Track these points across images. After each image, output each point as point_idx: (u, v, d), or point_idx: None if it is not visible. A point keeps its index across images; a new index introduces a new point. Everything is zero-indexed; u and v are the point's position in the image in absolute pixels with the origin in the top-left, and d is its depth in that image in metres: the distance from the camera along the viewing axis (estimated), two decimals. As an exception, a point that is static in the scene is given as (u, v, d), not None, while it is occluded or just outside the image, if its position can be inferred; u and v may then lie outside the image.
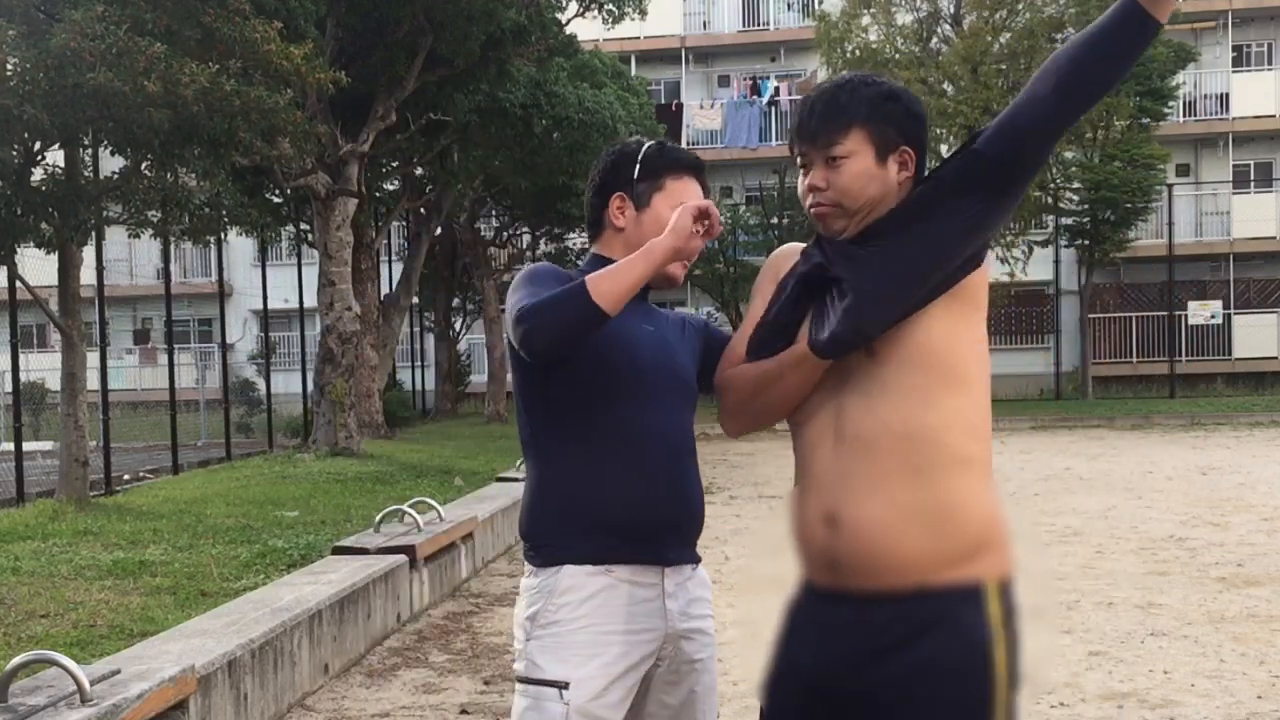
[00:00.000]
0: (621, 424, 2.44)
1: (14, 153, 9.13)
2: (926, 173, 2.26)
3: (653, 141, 2.63)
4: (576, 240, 28.19)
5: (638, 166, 2.56)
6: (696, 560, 2.58)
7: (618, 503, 2.43)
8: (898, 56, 26.35)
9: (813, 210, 2.22)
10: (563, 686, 2.37)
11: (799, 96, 32.55)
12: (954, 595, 2.10)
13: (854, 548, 2.13)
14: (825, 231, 2.24)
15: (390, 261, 26.56)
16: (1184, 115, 30.63)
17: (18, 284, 10.21)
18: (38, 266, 11.39)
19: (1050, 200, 27.06)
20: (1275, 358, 29.36)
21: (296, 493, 10.70)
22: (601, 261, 2.54)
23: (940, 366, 2.16)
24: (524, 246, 28.76)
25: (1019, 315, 30.66)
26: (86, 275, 10.68)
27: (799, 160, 2.26)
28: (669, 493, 2.48)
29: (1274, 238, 30.07)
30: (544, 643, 2.41)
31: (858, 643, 2.13)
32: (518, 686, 2.46)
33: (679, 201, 2.50)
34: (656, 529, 2.46)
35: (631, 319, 2.47)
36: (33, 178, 9.67)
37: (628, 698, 2.43)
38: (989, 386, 2.27)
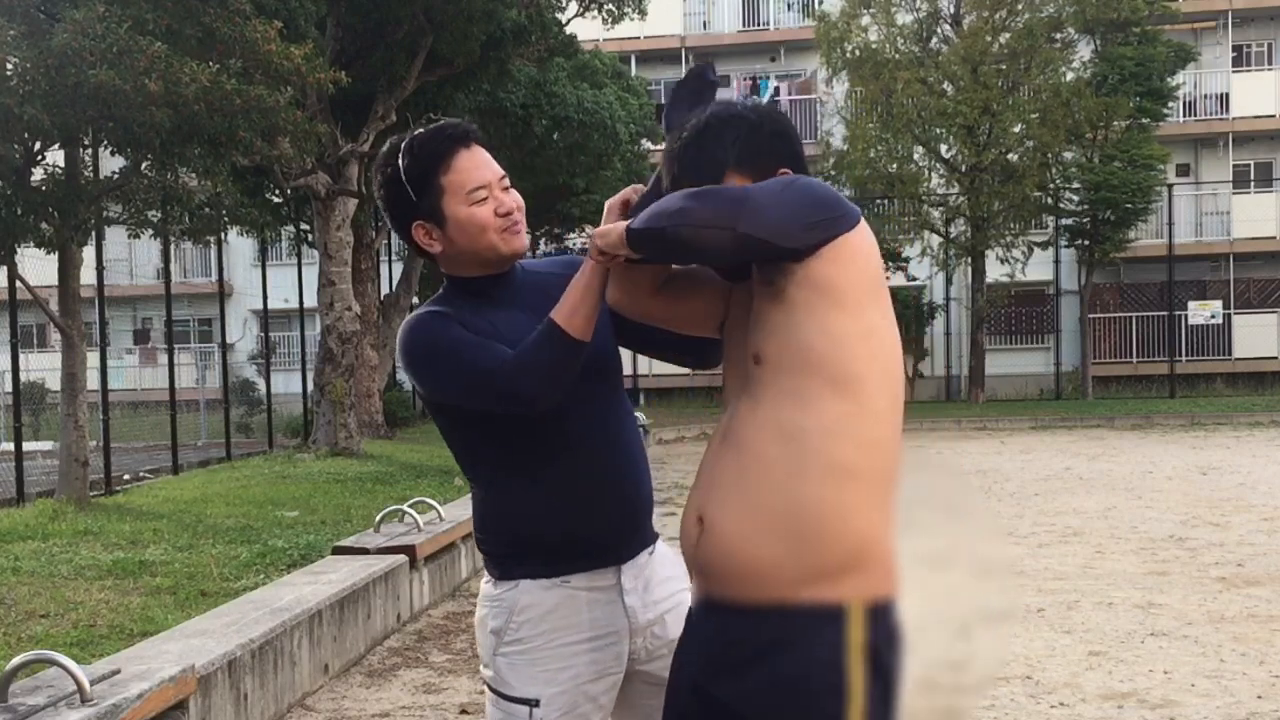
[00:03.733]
0: (543, 437, 2.37)
1: (15, 152, 9.13)
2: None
3: (403, 146, 2.41)
4: (576, 240, 28.20)
5: (409, 188, 2.38)
6: (653, 541, 2.52)
7: (557, 518, 2.39)
8: (898, 56, 26.36)
9: None
10: (533, 704, 2.38)
11: (799, 96, 32.61)
12: (812, 615, 2.03)
13: (715, 553, 2.10)
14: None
15: (390, 261, 26.54)
16: (1184, 115, 30.64)
17: (18, 284, 10.22)
18: (38, 266, 11.40)
19: (1050, 200, 27.07)
20: (1275, 358, 29.36)
21: (296, 493, 10.70)
22: (461, 283, 2.45)
23: (820, 367, 2.06)
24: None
25: (1019, 315, 30.67)
26: (86, 275, 10.69)
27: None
28: (609, 493, 2.43)
29: (1274, 238, 30.08)
30: (511, 660, 2.41)
31: (719, 654, 2.11)
32: (488, 693, 2.47)
33: (464, 194, 2.37)
34: (602, 532, 2.42)
35: (510, 320, 2.39)
36: (33, 178, 9.68)
37: (600, 705, 2.43)
38: (890, 389, 2.10)
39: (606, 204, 2.32)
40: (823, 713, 2.02)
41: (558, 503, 2.39)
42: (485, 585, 2.50)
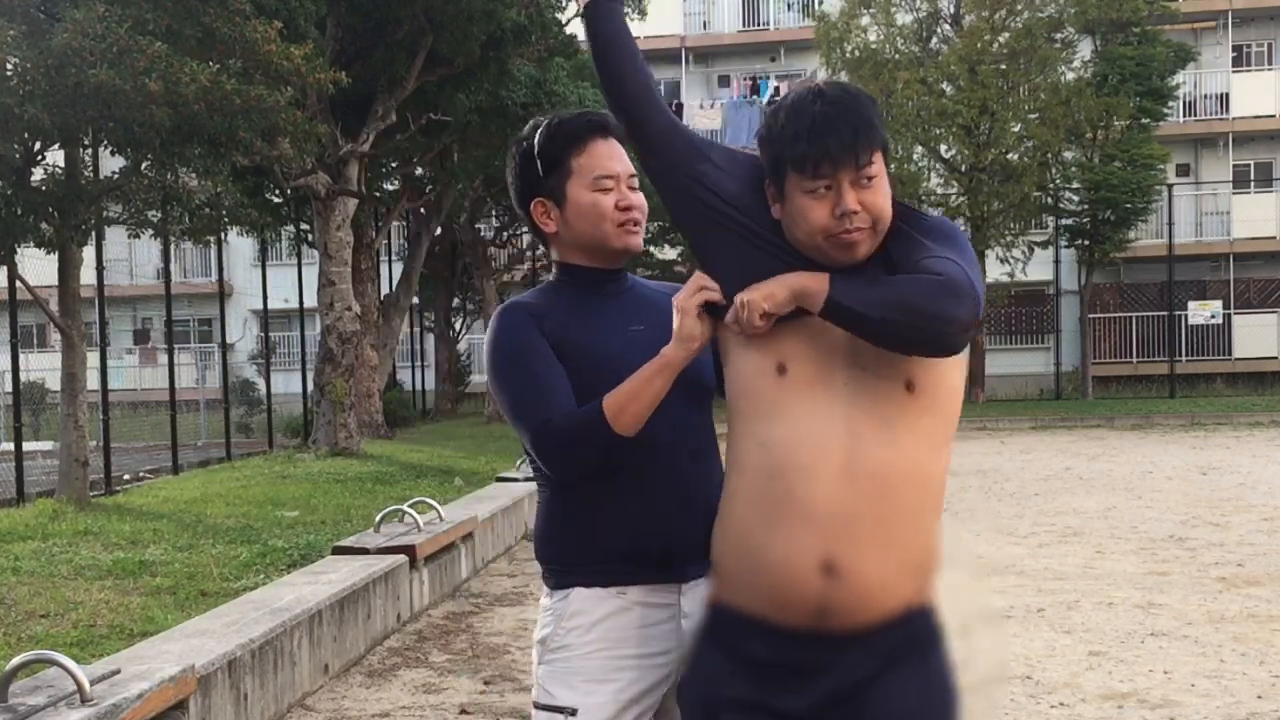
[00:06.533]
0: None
1: (15, 152, 9.13)
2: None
3: (543, 124, 2.41)
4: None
5: (538, 164, 2.37)
6: None
7: (624, 524, 2.30)
8: (897, 56, 26.36)
9: (849, 235, 2.01)
10: (571, 714, 2.28)
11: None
12: (925, 618, 2.12)
13: (853, 596, 2.02)
14: (848, 260, 2.04)
15: (390, 261, 26.55)
16: (1184, 115, 30.65)
17: (18, 284, 10.22)
18: (38, 266, 11.40)
19: (1050, 200, 27.07)
20: (1275, 358, 29.36)
21: (296, 493, 10.70)
22: (565, 270, 2.40)
23: (953, 408, 2.11)
24: (524, 246, 28.79)
25: (1019, 315, 30.67)
26: (86, 275, 10.69)
27: (821, 185, 2.01)
28: (680, 507, 2.31)
29: (1274, 238, 30.08)
30: (553, 668, 2.32)
31: (842, 677, 2.06)
32: (534, 712, 2.37)
33: (591, 179, 2.34)
34: (668, 547, 2.31)
35: (616, 324, 2.34)
36: (33, 178, 9.68)
37: None
38: None
39: (681, 306, 2.15)
40: (954, 702, 2.13)
41: (627, 508, 2.29)
42: (543, 598, 2.42)
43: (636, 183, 2.40)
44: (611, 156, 2.37)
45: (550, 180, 2.36)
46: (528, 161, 2.38)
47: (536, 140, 2.38)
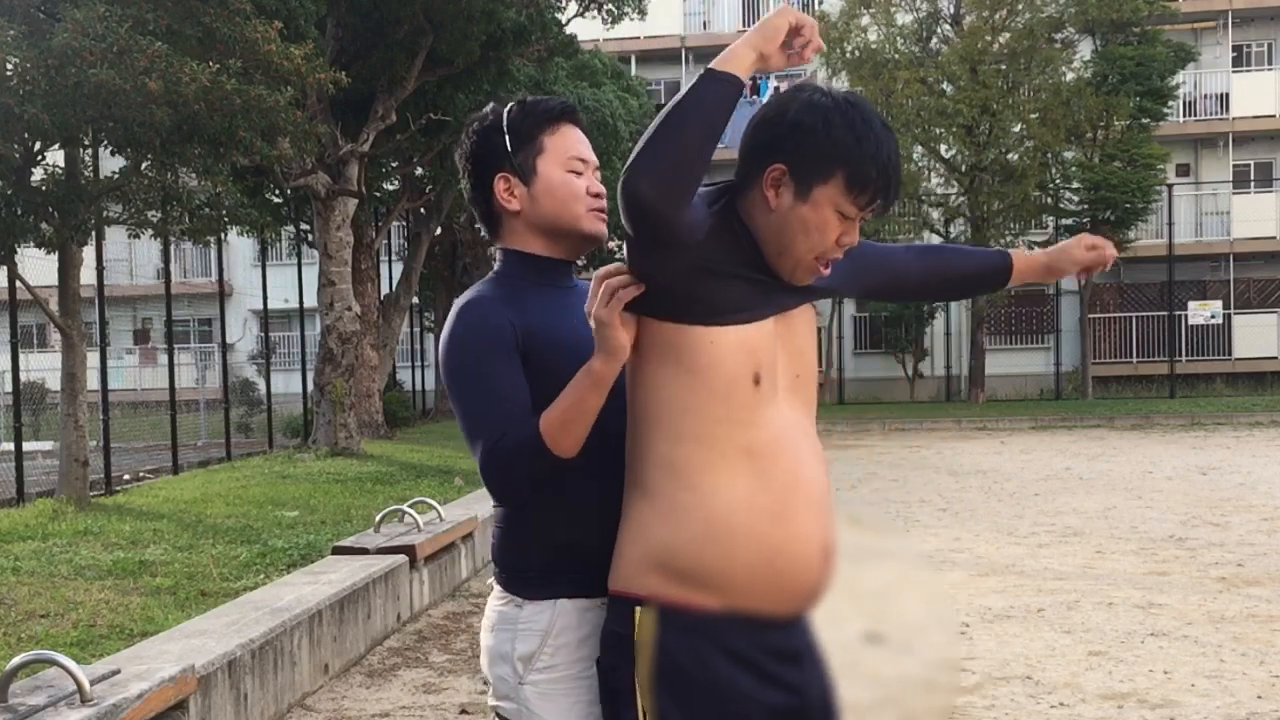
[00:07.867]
0: (602, 435, 2.16)
1: (15, 152, 9.13)
2: None
3: (511, 103, 2.33)
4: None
5: (508, 137, 2.26)
6: None
7: (598, 530, 2.18)
8: (897, 56, 26.37)
9: (827, 267, 2.09)
10: None
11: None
12: None
13: (833, 574, 2.11)
14: (803, 282, 2.10)
15: (390, 261, 26.55)
16: (1184, 115, 30.65)
17: (18, 284, 10.22)
18: (38, 266, 11.39)
19: (1050, 200, 27.07)
20: (1275, 358, 29.36)
21: (296, 493, 10.70)
22: (515, 258, 2.29)
23: None
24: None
25: (1019, 315, 30.67)
26: (86, 275, 10.69)
27: (856, 213, 2.04)
28: None
29: (1274, 238, 30.08)
30: (542, 689, 2.20)
31: (821, 653, 2.17)
32: None
33: (564, 158, 2.26)
34: None
35: (581, 321, 2.19)
36: (33, 178, 9.68)
37: None
38: None
39: (601, 318, 2.03)
40: None
41: (594, 515, 2.19)
42: (505, 607, 2.27)
43: (599, 176, 2.33)
44: (582, 142, 2.31)
45: (518, 155, 2.26)
46: (494, 135, 2.28)
47: (506, 115, 2.28)
